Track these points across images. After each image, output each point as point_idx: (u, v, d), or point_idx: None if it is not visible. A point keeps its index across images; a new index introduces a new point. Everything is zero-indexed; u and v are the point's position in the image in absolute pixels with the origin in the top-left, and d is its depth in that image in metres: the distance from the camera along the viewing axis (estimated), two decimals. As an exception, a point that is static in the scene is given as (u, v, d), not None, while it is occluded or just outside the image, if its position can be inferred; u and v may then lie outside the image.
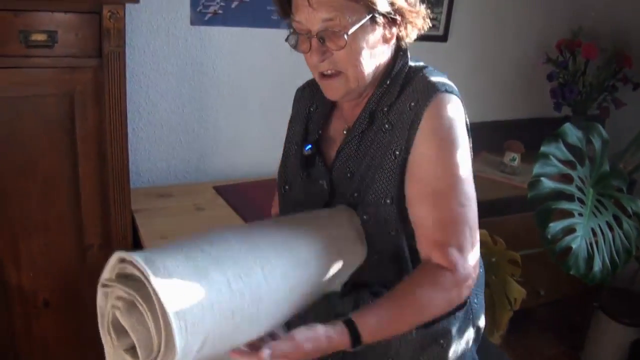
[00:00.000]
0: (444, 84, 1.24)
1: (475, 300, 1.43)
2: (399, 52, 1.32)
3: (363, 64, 1.23)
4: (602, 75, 3.11)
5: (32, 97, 1.82)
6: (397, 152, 1.23)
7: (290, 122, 1.51)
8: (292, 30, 1.27)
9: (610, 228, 2.22)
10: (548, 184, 2.12)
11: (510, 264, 2.35)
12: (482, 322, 1.47)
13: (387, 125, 1.26)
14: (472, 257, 1.18)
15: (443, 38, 3.00)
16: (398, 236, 1.27)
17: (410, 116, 1.22)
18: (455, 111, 1.23)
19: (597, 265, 2.13)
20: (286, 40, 1.29)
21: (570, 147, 2.20)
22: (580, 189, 2.23)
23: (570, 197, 2.18)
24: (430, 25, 1.31)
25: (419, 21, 1.28)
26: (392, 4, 1.22)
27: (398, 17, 1.23)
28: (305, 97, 1.49)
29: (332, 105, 1.43)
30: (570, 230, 2.12)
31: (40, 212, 1.95)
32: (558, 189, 2.15)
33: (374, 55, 1.25)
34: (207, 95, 2.59)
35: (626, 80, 3.12)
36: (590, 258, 2.12)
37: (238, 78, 2.62)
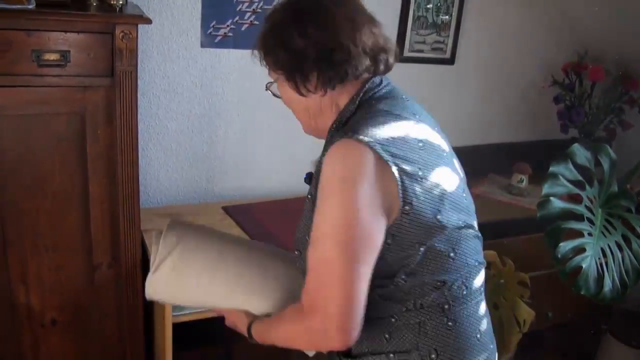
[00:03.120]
0: (357, 129, 1.17)
1: (433, 355, 1.24)
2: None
3: (297, 115, 1.38)
4: (609, 98, 3.12)
5: (44, 115, 1.84)
6: (309, 196, 1.26)
7: None
8: None
9: (620, 248, 2.22)
10: (557, 203, 2.12)
11: (519, 285, 2.35)
12: None
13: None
14: (329, 316, 1.10)
15: (450, 61, 3.02)
16: None
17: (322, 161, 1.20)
18: (345, 160, 1.15)
19: (607, 286, 2.12)
20: None
21: (579, 168, 2.21)
22: (589, 209, 2.23)
23: (579, 217, 2.18)
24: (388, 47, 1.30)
25: (352, 60, 1.24)
26: (276, 62, 1.30)
27: (297, 72, 1.26)
28: None
29: None
30: (580, 250, 2.12)
31: (49, 230, 1.95)
32: (567, 209, 2.15)
33: (305, 108, 1.32)
34: (217, 117, 2.61)
35: (632, 102, 3.13)
36: (600, 278, 2.12)
37: (247, 100, 2.64)
